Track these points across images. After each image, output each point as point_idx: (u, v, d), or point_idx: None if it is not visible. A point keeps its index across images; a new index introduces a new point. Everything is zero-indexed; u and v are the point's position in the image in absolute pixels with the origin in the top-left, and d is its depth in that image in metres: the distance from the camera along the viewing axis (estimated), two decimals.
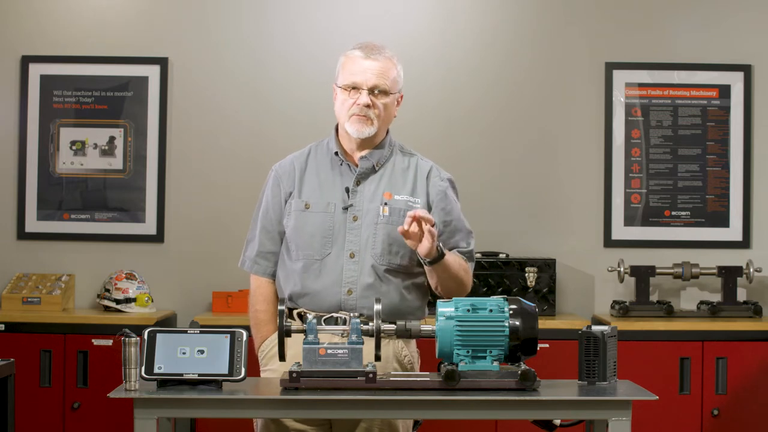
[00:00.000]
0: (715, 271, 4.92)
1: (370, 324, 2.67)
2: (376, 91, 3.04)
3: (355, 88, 3.04)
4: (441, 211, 3.09)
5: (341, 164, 3.11)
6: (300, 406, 2.62)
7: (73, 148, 5.06)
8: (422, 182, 3.11)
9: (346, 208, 3.05)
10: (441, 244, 2.96)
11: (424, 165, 3.16)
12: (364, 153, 3.09)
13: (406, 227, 2.86)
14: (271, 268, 3.14)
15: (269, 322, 3.11)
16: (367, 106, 3.03)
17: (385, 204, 3.04)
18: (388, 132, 3.15)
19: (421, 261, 2.99)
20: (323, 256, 3.03)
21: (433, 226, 2.88)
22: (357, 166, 3.09)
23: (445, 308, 2.68)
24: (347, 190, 3.06)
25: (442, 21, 5.12)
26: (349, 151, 3.11)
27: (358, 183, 3.08)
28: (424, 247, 2.89)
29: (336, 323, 2.81)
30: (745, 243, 5.08)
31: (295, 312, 3.07)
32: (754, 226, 5.09)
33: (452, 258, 3.03)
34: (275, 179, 3.15)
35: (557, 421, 2.73)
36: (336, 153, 3.11)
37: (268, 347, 3.10)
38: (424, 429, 4.52)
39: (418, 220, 2.85)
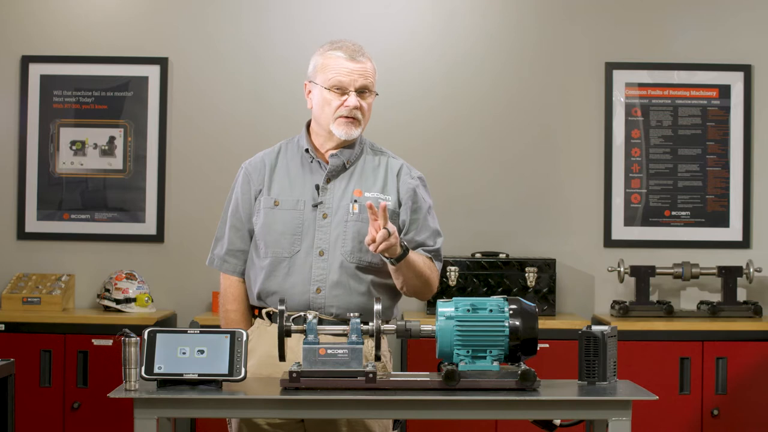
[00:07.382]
0: (715, 271, 4.92)
1: (370, 324, 2.67)
2: (363, 92, 3.02)
3: (340, 89, 3.00)
4: (409, 210, 3.06)
5: (311, 161, 3.08)
6: (300, 406, 2.62)
7: (73, 148, 5.06)
8: (393, 180, 3.08)
9: (315, 206, 3.02)
10: (406, 242, 2.93)
11: (395, 163, 3.11)
12: (334, 150, 3.07)
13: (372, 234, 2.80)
14: (240, 267, 3.10)
15: (240, 322, 3.07)
16: (356, 107, 3.00)
17: (355, 201, 3.01)
18: None
19: (386, 261, 2.93)
20: (292, 253, 3.00)
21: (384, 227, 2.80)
22: (327, 163, 3.07)
23: (445, 308, 2.67)
24: (317, 187, 3.04)
25: (443, 21, 5.12)
26: (320, 149, 3.09)
27: (328, 181, 3.04)
28: (385, 243, 2.80)
29: (304, 322, 2.69)
30: (745, 243, 5.08)
31: (263, 311, 3.05)
32: (754, 226, 5.09)
33: (417, 256, 3.00)
34: (245, 176, 3.11)
35: (557, 421, 2.72)
36: (306, 150, 3.08)
37: None
38: (426, 429, 4.54)
39: (382, 210, 2.79)
